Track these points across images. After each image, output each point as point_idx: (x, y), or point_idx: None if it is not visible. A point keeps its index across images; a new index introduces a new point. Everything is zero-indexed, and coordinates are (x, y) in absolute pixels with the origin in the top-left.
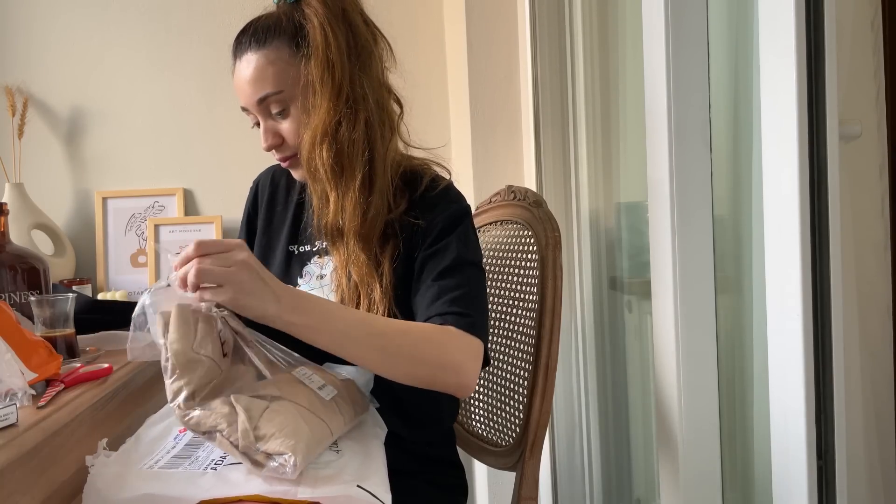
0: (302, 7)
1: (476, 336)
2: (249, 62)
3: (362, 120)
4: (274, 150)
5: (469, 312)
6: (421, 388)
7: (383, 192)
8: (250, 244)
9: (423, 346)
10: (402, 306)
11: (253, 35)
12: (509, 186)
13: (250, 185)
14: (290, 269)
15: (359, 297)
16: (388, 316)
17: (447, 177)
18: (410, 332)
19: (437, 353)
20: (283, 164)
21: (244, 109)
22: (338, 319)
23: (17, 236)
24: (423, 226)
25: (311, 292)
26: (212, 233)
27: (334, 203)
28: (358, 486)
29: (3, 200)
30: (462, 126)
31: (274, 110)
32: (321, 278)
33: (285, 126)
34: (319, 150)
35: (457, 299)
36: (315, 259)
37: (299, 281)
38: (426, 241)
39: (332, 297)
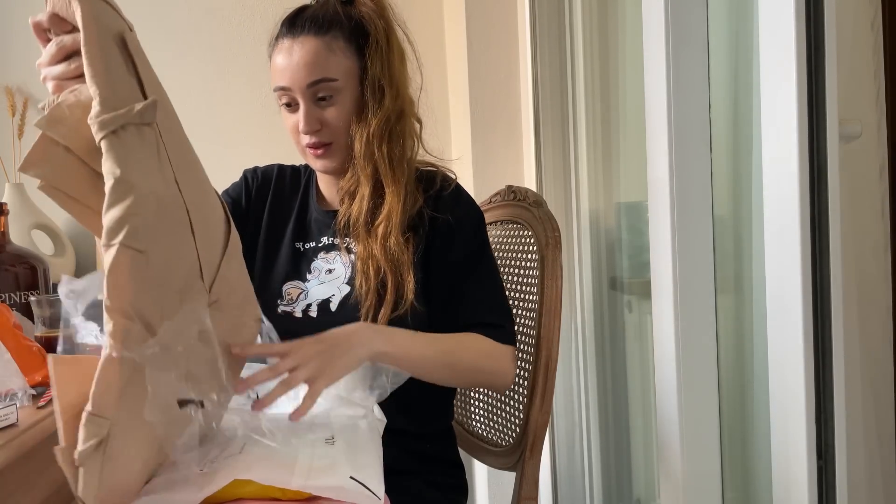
0: (358, 7)
1: (511, 345)
2: (306, 45)
3: (409, 119)
4: (310, 136)
5: (504, 324)
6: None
7: (411, 188)
8: (254, 227)
9: (479, 360)
10: (422, 291)
11: (311, 20)
12: (509, 186)
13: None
14: (299, 266)
15: (384, 286)
16: (413, 305)
17: (453, 177)
18: (468, 348)
19: (489, 364)
20: (316, 152)
21: (281, 89)
22: (414, 347)
23: (17, 236)
24: (451, 221)
25: (321, 286)
26: None
27: (391, 195)
28: (351, 477)
29: (3, 200)
30: (462, 126)
31: (321, 95)
32: (330, 272)
33: (329, 113)
34: (379, 143)
35: (493, 309)
36: (321, 255)
37: (308, 277)
38: (454, 239)
39: (343, 291)
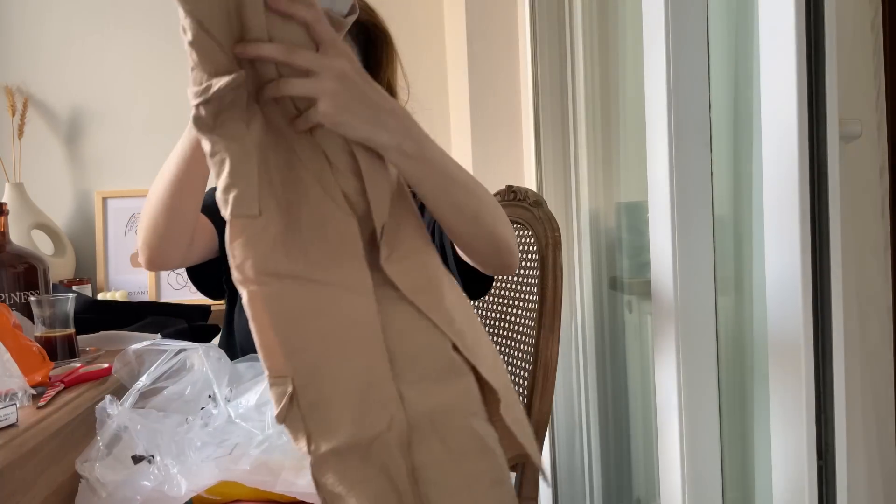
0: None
1: None
2: None
3: None
4: None
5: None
6: (480, 251)
7: None
8: None
9: (498, 210)
10: None
11: None
12: (509, 186)
13: None
14: None
15: None
16: None
17: None
18: (489, 195)
19: (504, 218)
20: None
21: None
22: (444, 155)
23: (17, 236)
24: None
25: None
26: None
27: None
28: None
29: (3, 200)
30: (462, 126)
31: None
32: None
33: None
34: None
35: None
36: None
37: None
38: None
39: None
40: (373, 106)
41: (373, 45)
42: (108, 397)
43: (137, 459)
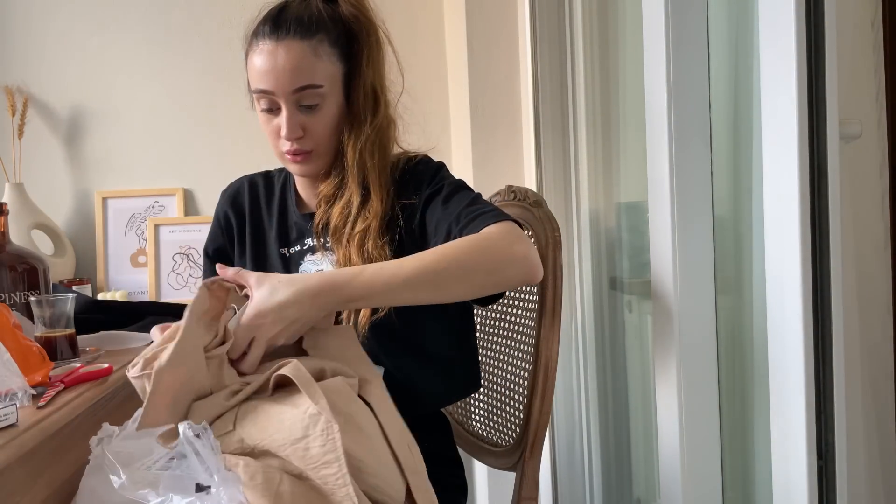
0: (340, 6)
1: (509, 221)
2: (291, 49)
3: (392, 126)
4: (291, 142)
5: (491, 209)
6: (493, 293)
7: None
8: (231, 248)
9: (475, 257)
10: None
11: (296, 22)
12: (509, 186)
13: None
14: (288, 272)
15: None
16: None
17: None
18: (457, 253)
19: (491, 256)
20: (296, 159)
21: (262, 92)
22: (380, 290)
23: (17, 236)
24: (415, 200)
25: None
26: None
27: (376, 202)
28: None
29: (3, 200)
30: (462, 126)
31: (306, 102)
32: None
33: (313, 120)
34: (372, 153)
35: (472, 204)
36: (308, 257)
37: None
38: (421, 199)
39: None
40: (293, 323)
41: (355, 42)
42: (189, 425)
43: (200, 488)
